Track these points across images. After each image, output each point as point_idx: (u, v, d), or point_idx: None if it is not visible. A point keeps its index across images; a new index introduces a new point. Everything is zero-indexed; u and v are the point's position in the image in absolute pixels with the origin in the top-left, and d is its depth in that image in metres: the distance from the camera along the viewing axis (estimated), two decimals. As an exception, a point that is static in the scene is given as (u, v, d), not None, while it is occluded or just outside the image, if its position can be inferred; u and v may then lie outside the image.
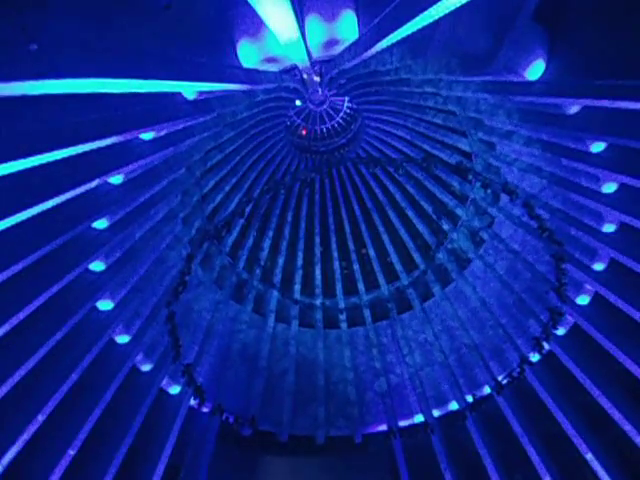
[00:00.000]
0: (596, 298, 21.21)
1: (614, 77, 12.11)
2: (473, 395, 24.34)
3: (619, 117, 14.14)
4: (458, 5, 9.57)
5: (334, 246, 30.74)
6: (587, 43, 13.16)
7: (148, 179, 17.89)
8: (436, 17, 10.34)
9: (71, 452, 16.90)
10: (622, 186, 17.87)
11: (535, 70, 14.12)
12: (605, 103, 13.08)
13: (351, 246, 30.61)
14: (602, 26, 12.66)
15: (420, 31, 11.58)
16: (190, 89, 15.16)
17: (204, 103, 16.79)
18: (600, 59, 12.57)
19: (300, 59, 14.78)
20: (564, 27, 13.69)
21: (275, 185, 26.02)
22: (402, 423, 26.10)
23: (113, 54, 11.09)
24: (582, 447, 20.60)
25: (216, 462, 23.06)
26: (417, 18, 10.19)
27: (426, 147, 26.98)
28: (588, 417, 21.08)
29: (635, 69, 11.48)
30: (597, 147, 17.05)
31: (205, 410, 23.11)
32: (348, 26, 13.63)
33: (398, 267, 29.82)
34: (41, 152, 11.12)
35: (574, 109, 16.00)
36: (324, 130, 29.49)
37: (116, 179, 16.45)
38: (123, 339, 19.94)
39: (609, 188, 18.26)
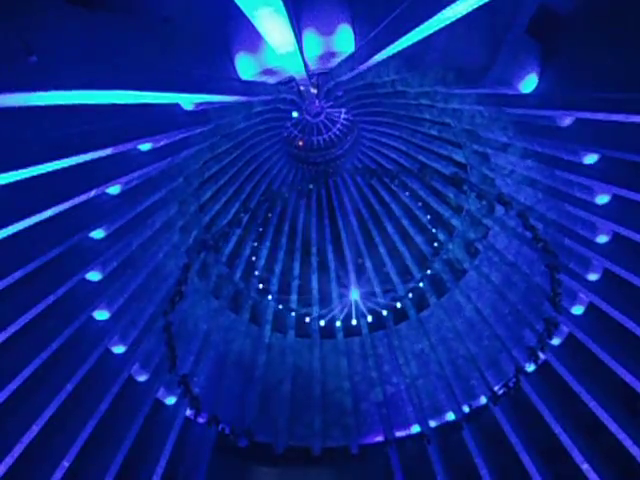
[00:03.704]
0: (590, 308, 21.32)
1: (606, 90, 12.31)
2: (469, 405, 24.33)
3: (612, 129, 14.34)
4: (453, 19, 9.76)
5: (331, 256, 30.79)
6: (579, 56, 13.39)
7: (146, 189, 17.97)
8: (432, 31, 10.53)
9: (65, 463, 16.77)
10: (615, 197, 18.06)
11: (529, 83, 14.34)
12: (597, 116, 13.30)
13: (348, 256, 30.64)
14: (594, 39, 12.89)
15: (416, 45, 11.78)
16: (188, 100, 15.30)
17: (202, 114, 16.92)
18: (592, 72, 12.79)
19: (297, 71, 14.96)
20: (557, 40, 13.93)
21: (272, 195, 26.15)
22: (398, 433, 26.04)
23: (111, 66, 11.20)
24: (578, 457, 20.58)
25: (212, 473, 22.92)
26: (413, 32, 10.37)
27: (422, 158, 27.19)
28: (584, 427, 21.09)
29: (627, 82, 11.69)
30: (590, 159, 17.24)
31: (201, 421, 22.98)
32: (345, 39, 13.81)
33: (394, 277, 29.88)
34: (38, 163, 11.17)
35: (567, 121, 16.21)
36: (321, 141, 29.65)
37: (114, 189, 16.51)
38: (119, 349, 19.87)
39: (602, 199, 18.43)
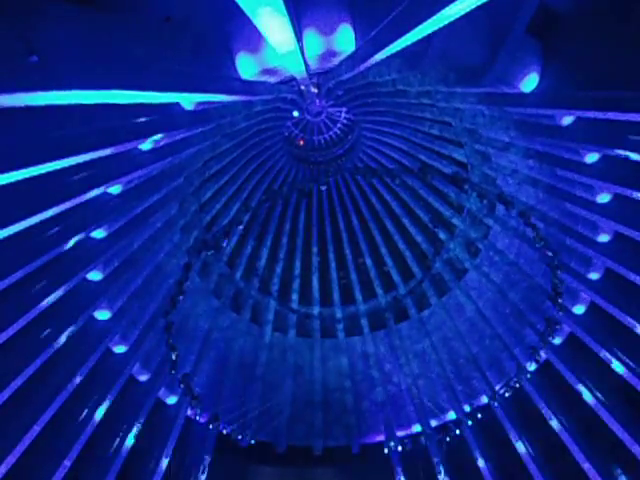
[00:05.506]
0: (592, 307, 21.30)
1: (606, 88, 12.30)
2: (470, 405, 24.30)
3: (612, 128, 14.32)
4: (454, 18, 9.74)
5: (332, 255, 30.78)
6: (580, 55, 13.38)
7: (147, 189, 17.95)
8: (432, 30, 10.51)
9: (67, 463, 16.81)
10: (616, 196, 18.03)
11: (530, 82, 14.33)
12: (597, 114, 13.28)
13: (348, 255, 30.66)
14: (594, 38, 12.89)
15: (417, 44, 11.75)
16: (188, 100, 15.29)
17: (202, 114, 16.90)
18: (592, 71, 12.78)
19: (298, 71, 14.94)
20: (557, 39, 13.92)
21: (273, 195, 26.12)
22: (400, 433, 26.02)
23: (113, 66, 11.21)
24: (579, 456, 20.57)
25: (213, 472, 22.94)
26: (413, 31, 10.36)
27: (422, 157, 27.14)
28: (585, 426, 21.08)
29: (627, 80, 11.67)
30: (591, 158, 17.22)
31: (202, 420, 22.99)
32: (345, 39, 13.77)
33: (395, 277, 29.86)
34: (40, 162, 11.19)
35: (568, 120, 16.19)
36: (322, 140, 29.61)
37: (115, 189, 16.50)
38: (120, 349, 19.91)
39: (603, 198, 18.40)
